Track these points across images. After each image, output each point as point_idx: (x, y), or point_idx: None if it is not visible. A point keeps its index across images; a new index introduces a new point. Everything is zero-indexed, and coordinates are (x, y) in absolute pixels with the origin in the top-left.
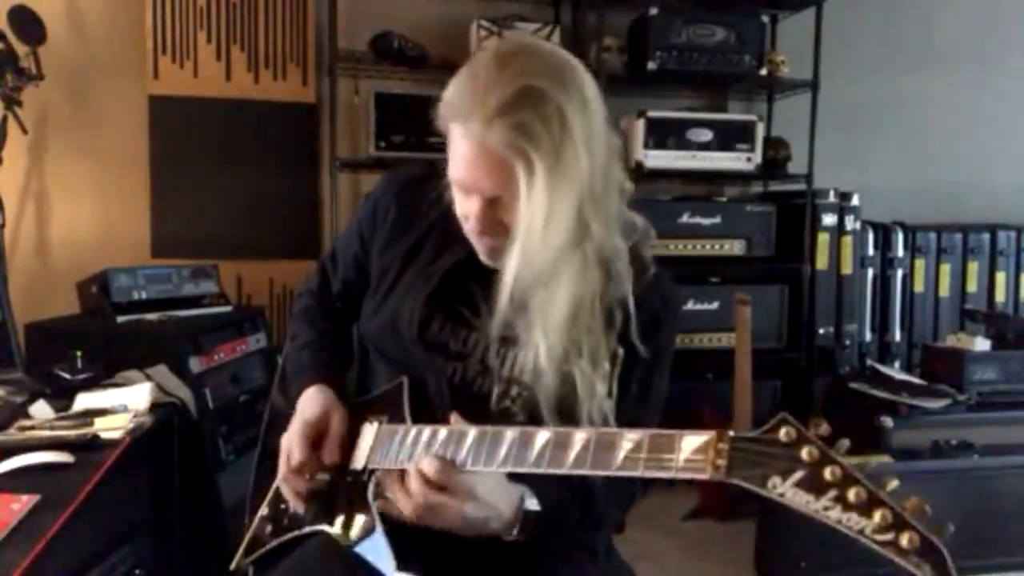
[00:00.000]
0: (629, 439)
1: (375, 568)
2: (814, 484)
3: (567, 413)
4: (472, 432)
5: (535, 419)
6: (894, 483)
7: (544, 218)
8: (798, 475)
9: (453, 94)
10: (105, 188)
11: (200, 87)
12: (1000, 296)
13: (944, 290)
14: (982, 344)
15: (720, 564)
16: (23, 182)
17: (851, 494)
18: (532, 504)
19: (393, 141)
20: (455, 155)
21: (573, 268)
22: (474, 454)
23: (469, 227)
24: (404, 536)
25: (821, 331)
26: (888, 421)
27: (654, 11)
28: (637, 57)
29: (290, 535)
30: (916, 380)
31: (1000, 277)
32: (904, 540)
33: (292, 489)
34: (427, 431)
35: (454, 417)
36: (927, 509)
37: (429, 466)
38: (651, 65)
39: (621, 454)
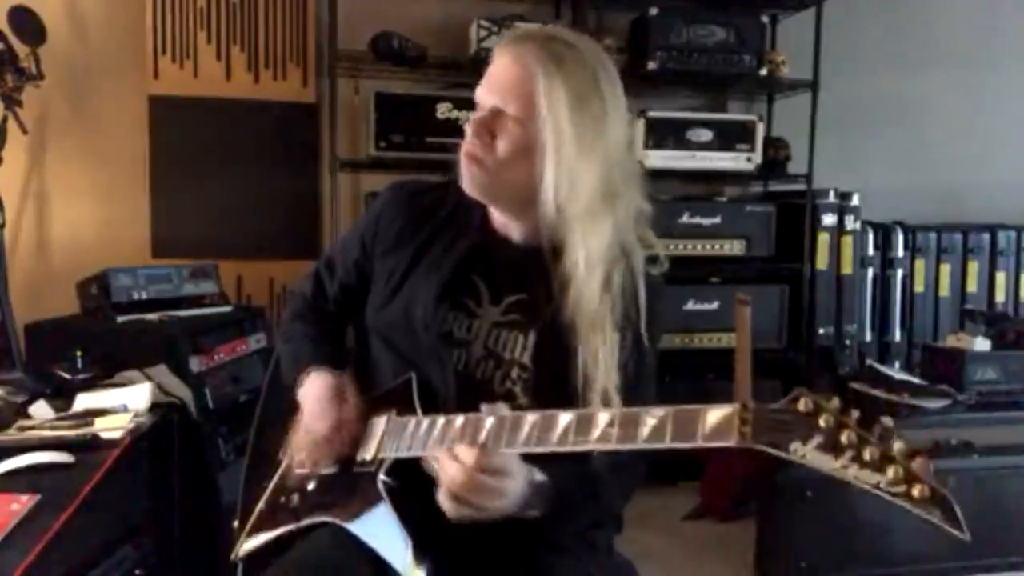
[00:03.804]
0: (653, 415)
1: (382, 558)
2: (832, 447)
3: (576, 388)
4: (490, 419)
5: (538, 399)
6: (899, 444)
7: (572, 143)
8: (817, 439)
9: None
10: (105, 188)
11: (200, 87)
12: (1000, 296)
13: (944, 290)
14: (982, 344)
15: (720, 564)
16: (23, 182)
17: (866, 454)
18: (538, 475)
19: (393, 141)
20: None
21: (606, 221)
22: (494, 438)
23: (465, 141)
24: (412, 529)
25: (821, 331)
26: (888, 421)
27: (654, 11)
28: (637, 57)
29: (293, 527)
30: (916, 380)
31: (1000, 277)
32: (915, 491)
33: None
34: (441, 419)
35: (486, 408)
36: (931, 467)
37: (466, 453)
38: (651, 65)
39: (647, 429)
